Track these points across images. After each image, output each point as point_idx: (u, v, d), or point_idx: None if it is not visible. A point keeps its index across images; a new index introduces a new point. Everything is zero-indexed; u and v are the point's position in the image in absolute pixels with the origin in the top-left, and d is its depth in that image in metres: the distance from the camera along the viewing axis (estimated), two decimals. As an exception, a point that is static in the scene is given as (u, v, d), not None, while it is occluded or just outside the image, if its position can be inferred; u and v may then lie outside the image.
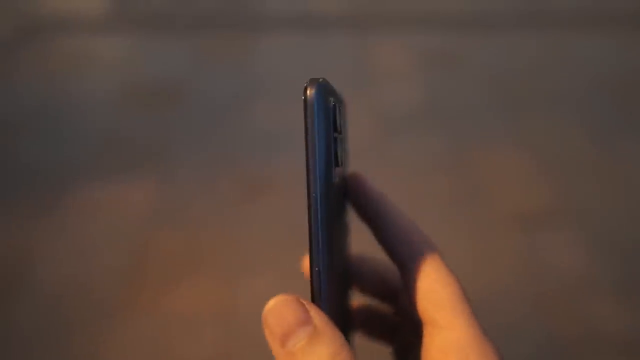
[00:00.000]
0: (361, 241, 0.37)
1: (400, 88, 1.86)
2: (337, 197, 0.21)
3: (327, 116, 0.19)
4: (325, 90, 0.19)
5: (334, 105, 0.19)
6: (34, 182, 1.46)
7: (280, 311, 0.18)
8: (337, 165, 0.20)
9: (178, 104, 1.80)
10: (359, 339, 0.27)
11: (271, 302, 0.18)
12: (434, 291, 0.20)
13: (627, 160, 1.50)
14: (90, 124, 1.70)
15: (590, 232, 1.26)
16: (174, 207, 1.36)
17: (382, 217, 0.23)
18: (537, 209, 1.33)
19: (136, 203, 1.38)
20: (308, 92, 0.19)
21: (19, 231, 1.30)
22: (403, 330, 0.26)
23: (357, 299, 0.28)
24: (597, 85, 1.86)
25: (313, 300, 0.19)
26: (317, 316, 0.18)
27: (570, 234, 1.26)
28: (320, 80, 0.19)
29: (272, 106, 1.76)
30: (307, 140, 0.18)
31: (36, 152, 1.58)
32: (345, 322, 0.23)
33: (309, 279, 0.19)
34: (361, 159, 1.49)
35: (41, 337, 1.05)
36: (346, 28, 2.34)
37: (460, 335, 0.19)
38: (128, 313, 1.10)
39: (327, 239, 0.19)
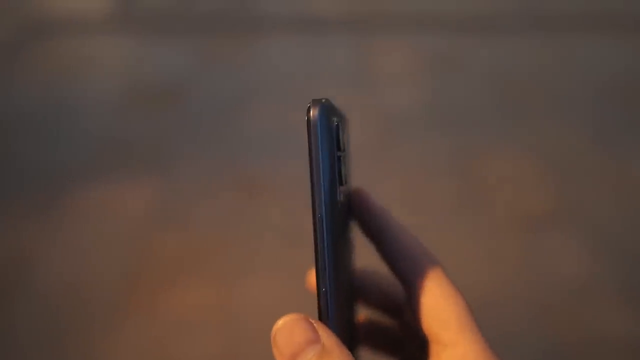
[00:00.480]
0: (366, 256, 0.37)
1: (403, 90, 1.86)
2: (341, 215, 0.21)
3: (330, 136, 0.19)
4: (327, 110, 0.19)
5: (337, 124, 0.20)
6: (32, 183, 1.45)
7: (289, 330, 0.18)
8: (341, 183, 0.20)
9: (178, 104, 1.80)
10: (363, 352, 0.27)
11: (280, 322, 0.18)
12: (438, 308, 0.20)
13: (632, 163, 1.50)
14: (90, 125, 1.70)
15: (595, 235, 1.26)
16: (172, 208, 1.36)
17: (384, 233, 0.23)
18: (542, 212, 1.32)
19: (135, 204, 1.37)
20: (311, 113, 0.19)
21: (17, 232, 1.30)
22: (407, 344, 0.25)
23: (362, 313, 0.28)
24: (601, 88, 1.85)
25: (320, 319, 0.19)
26: (326, 335, 0.18)
27: (575, 237, 1.25)
28: (323, 100, 0.19)
29: (272, 107, 1.76)
30: (311, 161, 0.19)
31: (36, 152, 1.58)
32: (352, 337, 0.23)
33: (314, 293, 0.20)
34: (364, 162, 1.49)
35: (38, 339, 1.05)
36: (348, 30, 2.34)
37: (466, 352, 0.19)
38: (126, 314, 1.09)
39: (333, 259, 0.19)
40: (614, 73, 1.94)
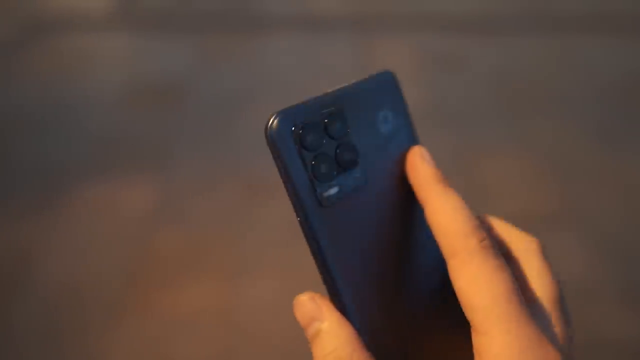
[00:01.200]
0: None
1: (404, 89, 1.85)
2: (348, 205, 0.22)
3: (289, 145, 0.20)
4: (285, 119, 0.20)
5: (300, 130, 0.20)
6: (34, 181, 1.45)
7: (301, 306, 0.21)
8: (326, 180, 0.21)
9: (179, 103, 1.80)
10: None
11: (296, 298, 0.21)
12: (469, 293, 0.20)
13: (632, 163, 1.49)
14: (90, 123, 1.70)
15: (595, 235, 1.25)
16: (174, 206, 1.36)
17: (426, 206, 0.22)
18: (541, 212, 1.32)
19: (137, 202, 1.37)
20: (266, 128, 0.20)
21: (15, 231, 1.29)
22: None
23: None
24: (602, 88, 1.85)
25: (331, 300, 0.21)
26: (328, 313, 0.20)
27: (576, 238, 1.25)
28: (279, 111, 0.20)
29: (273, 106, 1.75)
30: (279, 172, 0.20)
31: (37, 150, 1.57)
32: (397, 312, 0.23)
33: None
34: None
35: (39, 338, 1.05)
36: (349, 29, 2.33)
37: (492, 343, 0.19)
38: (127, 313, 1.09)
39: (326, 251, 0.20)
40: (615, 73, 1.93)
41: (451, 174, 1.45)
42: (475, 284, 0.19)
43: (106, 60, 2.10)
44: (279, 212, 1.33)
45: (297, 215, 0.20)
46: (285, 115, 0.20)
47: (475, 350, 0.19)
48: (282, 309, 1.09)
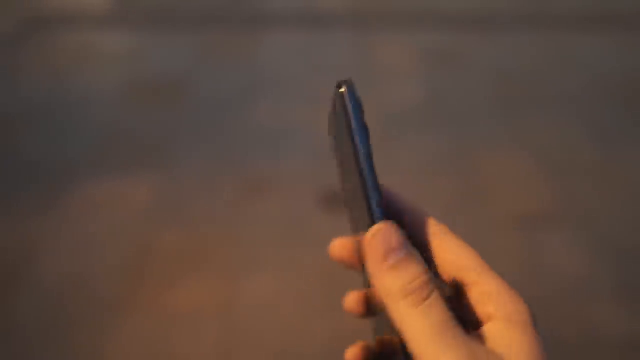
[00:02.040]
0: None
1: (403, 87, 1.86)
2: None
3: (361, 114, 0.23)
4: (355, 87, 0.23)
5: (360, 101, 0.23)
6: (36, 178, 1.45)
7: (381, 236, 0.22)
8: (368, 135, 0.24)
9: (180, 100, 1.80)
10: None
11: (373, 228, 0.22)
12: (455, 258, 0.24)
13: (629, 162, 1.50)
14: (92, 120, 1.70)
15: (591, 234, 1.26)
16: (175, 204, 1.36)
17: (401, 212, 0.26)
18: (538, 211, 1.33)
19: (138, 200, 1.37)
20: (342, 90, 0.22)
21: (20, 228, 1.29)
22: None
23: None
24: (599, 87, 1.86)
25: None
26: (408, 244, 0.22)
27: (571, 237, 1.26)
28: (348, 80, 0.23)
29: (274, 104, 1.76)
30: (352, 139, 0.22)
31: (39, 147, 1.57)
32: None
33: (338, 264, 0.22)
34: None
35: (42, 334, 1.05)
36: (350, 26, 2.34)
37: (491, 288, 0.23)
38: (129, 310, 1.09)
39: (375, 181, 0.23)
40: (614, 72, 1.95)
41: (448, 173, 1.46)
42: (460, 253, 0.23)
43: (107, 57, 2.10)
44: (279, 210, 1.33)
45: (360, 163, 0.23)
46: (354, 85, 0.23)
47: (474, 298, 0.23)
48: (281, 307, 1.10)
